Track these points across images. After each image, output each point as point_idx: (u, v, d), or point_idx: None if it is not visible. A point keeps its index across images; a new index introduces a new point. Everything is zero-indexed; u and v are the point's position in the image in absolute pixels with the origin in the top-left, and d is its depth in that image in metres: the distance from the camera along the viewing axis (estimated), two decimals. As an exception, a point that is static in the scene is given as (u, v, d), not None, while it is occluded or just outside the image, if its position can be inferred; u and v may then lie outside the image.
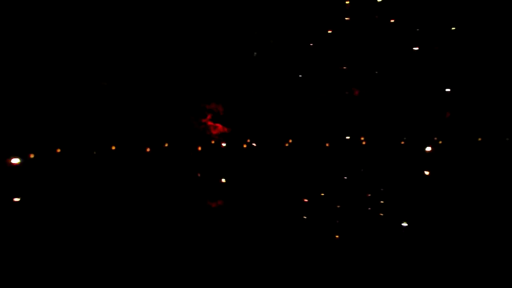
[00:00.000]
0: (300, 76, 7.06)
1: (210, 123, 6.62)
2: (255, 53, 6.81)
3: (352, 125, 7.19)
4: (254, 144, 6.58)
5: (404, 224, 6.81)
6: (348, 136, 7.18)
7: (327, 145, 7.10)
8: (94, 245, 5.92)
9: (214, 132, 6.53)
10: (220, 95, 6.78)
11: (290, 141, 6.88)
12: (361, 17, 7.39)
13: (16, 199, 6.18)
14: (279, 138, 6.89)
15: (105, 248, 5.90)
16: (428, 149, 7.40)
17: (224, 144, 6.72)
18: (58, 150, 6.42)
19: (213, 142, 6.60)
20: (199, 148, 6.78)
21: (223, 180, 6.92)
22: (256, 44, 7.02)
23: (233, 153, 6.79)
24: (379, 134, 7.28)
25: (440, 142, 7.34)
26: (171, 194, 6.76)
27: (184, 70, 6.81)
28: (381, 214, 6.91)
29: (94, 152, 6.49)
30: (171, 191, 6.73)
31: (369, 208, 7.07)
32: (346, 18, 7.28)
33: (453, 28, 7.48)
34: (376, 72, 7.31)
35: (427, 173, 7.38)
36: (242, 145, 6.89)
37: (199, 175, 6.81)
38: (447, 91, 7.54)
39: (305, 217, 6.85)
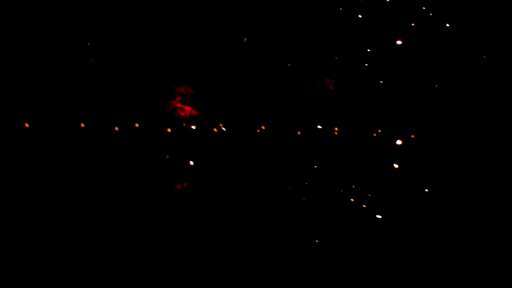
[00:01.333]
0: (277, 63, 6.80)
1: (179, 105, 6.57)
2: (245, 39, 6.49)
3: (326, 116, 7.10)
4: (223, 129, 6.61)
5: (379, 216, 7.12)
6: (320, 125, 7.14)
7: (298, 133, 7.09)
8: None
9: (182, 114, 6.52)
10: (190, 78, 6.62)
11: (263, 127, 6.87)
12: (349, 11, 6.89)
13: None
14: (251, 124, 6.87)
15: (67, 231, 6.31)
16: (399, 142, 7.39)
17: (193, 127, 6.74)
18: (27, 125, 6.46)
19: (184, 125, 6.62)
20: (169, 130, 6.82)
21: (191, 163, 7.05)
22: (239, 29, 6.65)
23: (202, 136, 6.84)
24: (353, 126, 7.22)
25: (413, 136, 7.30)
26: (139, 173, 6.96)
27: (155, 51, 6.55)
28: (352, 200, 7.19)
29: (62, 129, 6.55)
30: (139, 170, 6.92)
31: (338, 199, 7.33)
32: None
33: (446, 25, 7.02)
34: (355, 65, 7.02)
35: (396, 166, 7.47)
36: (212, 129, 6.89)
37: (167, 157, 6.93)
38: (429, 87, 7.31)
39: (271, 205, 7.15)
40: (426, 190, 7.26)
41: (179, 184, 6.80)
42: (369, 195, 7.33)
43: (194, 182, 6.94)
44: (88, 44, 6.61)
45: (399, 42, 7.27)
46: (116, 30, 6.67)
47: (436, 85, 7.53)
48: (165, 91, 6.54)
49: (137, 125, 6.81)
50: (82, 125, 6.65)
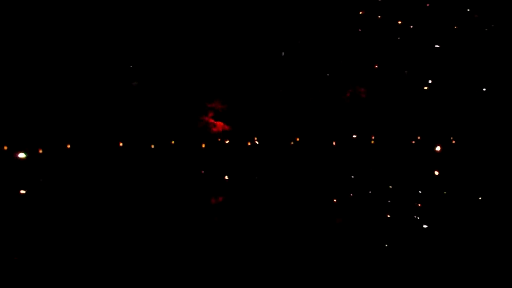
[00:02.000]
0: (305, 75, 6.83)
1: (211, 120, 6.69)
2: (283, 53, 6.59)
3: (359, 124, 7.04)
4: (257, 142, 6.67)
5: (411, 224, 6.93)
6: (354, 135, 7.08)
7: (333, 143, 7.06)
8: (96, 241, 6.49)
9: (214, 130, 6.64)
10: (221, 93, 6.75)
11: (298, 139, 6.88)
12: (368, 17, 6.86)
13: (22, 192, 6.69)
14: (284, 136, 6.91)
15: (108, 244, 6.48)
16: (438, 148, 7.22)
17: (227, 142, 6.85)
18: (68, 146, 6.76)
19: (219, 139, 6.74)
20: (203, 146, 6.95)
21: (226, 177, 7.13)
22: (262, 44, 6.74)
23: (235, 151, 6.92)
24: (388, 133, 7.12)
25: (453, 141, 7.12)
26: (175, 190, 7.10)
27: (187, 69, 6.73)
28: (388, 216, 7.05)
29: (102, 149, 6.80)
30: (175, 187, 7.05)
31: (376, 208, 7.20)
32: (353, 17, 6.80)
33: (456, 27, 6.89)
34: (382, 71, 6.95)
35: (436, 173, 7.29)
36: (247, 143, 6.97)
37: (202, 172, 7.04)
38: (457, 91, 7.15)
39: (309, 217, 7.10)
40: (467, 196, 7.05)
41: (214, 198, 6.89)
42: (403, 203, 7.18)
43: (229, 196, 7.01)
44: (131, 66, 6.86)
45: (435, 47, 7.15)
46: (152, 50, 6.89)
47: (476, 90, 7.35)
48: (197, 107, 6.68)
49: (173, 142, 6.98)
50: (121, 144, 6.88)
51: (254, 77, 6.88)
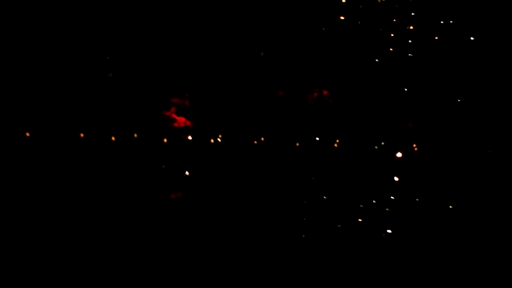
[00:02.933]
0: (271, 74, 6.78)
1: (173, 115, 6.64)
2: (262, 53, 6.53)
3: (325, 127, 7.02)
4: (219, 139, 6.65)
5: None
6: (318, 137, 7.07)
7: (297, 144, 7.05)
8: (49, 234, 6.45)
9: (175, 125, 6.59)
10: (186, 89, 6.69)
11: (262, 139, 6.86)
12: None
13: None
14: (248, 135, 6.88)
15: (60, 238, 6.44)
16: (399, 155, 7.25)
17: (190, 138, 6.81)
18: (28, 134, 6.67)
19: (183, 136, 6.69)
20: (165, 140, 6.90)
21: (187, 173, 7.10)
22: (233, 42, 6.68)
23: (198, 147, 6.89)
24: (352, 136, 7.12)
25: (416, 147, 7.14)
26: (135, 182, 7.06)
27: (150, 62, 6.65)
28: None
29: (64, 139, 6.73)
30: (135, 179, 7.02)
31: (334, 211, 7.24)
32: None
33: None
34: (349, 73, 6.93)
35: (396, 179, 7.33)
36: (209, 140, 6.94)
37: (163, 166, 7.01)
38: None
39: (267, 215, 7.12)
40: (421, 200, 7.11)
41: (173, 194, 6.87)
42: (369, 203, 7.22)
43: (189, 191, 6.99)
44: (107, 58, 6.73)
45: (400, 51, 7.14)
46: (115, 42, 6.80)
47: (439, 94, 7.35)
48: (160, 102, 6.62)
49: (136, 135, 6.92)
50: (82, 135, 6.81)
51: (219, 75, 6.81)
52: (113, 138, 6.63)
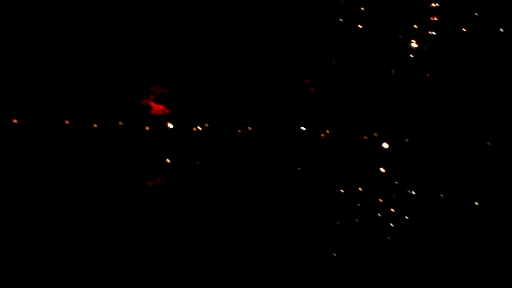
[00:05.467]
0: (253, 64, 6.66)
1: (152, 103, 6.61)
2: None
3: (311, 117, 6.87)
4: (200, 128, 6.59)
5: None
6: (304, 127, 6.93)
7: (278, 135, 6.92)
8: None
9: (154, 113, 6.56)
10: (165, 77, 6.63)
11: (250, 128, 6.76)
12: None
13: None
14: (230, 124, 6.79)
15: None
16: (386, 146, 7.05)
17: (170, 126, 6.77)
18: (15, 121, 6.73)
19: (166, 124, 6.67)
20: (147, 128, 6.88)
21: (168, 161, 7.07)
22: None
23: (177, 135, 6.86)
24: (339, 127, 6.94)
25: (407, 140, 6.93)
26: (116, 170, 7.07)
27: (130, 49, 6.61)
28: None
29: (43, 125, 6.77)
30: (115, 167, 7.02)
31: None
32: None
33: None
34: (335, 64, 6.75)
35: (382, 170, 7.14)
36: (191, 128, 6.88)
37: (143, 154, 6.99)
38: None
39: (245, 204, 7.05)
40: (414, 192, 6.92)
41: (151, 181, 6.85)
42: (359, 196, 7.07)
43: (169, 179, 6.96)
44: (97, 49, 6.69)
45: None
46: (96, 29, 6.77)
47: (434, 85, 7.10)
48: (138, 90, 6.58)
49: (121, 123, 6.91)
50: (67, 122, 6.83)
51: (199, 63, 6.72)
52: (95, 125, 6.65)
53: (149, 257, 6.55)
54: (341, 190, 6.99)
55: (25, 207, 6.64)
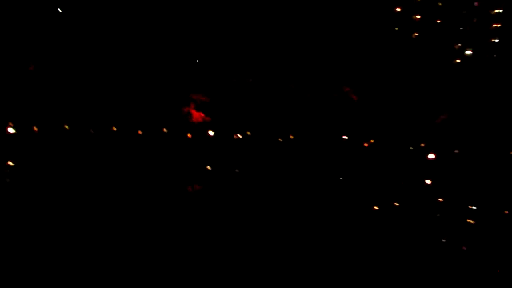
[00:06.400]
0: (293, 72, 6.62)
1: (193, 111, 6.73)
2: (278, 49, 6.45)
3: (351, 125, 6.75)
4: (239, 136, 6.65)
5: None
6: (346, 136, 6.80)
7: (324, 143, 6.83)
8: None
9: (194, 120, 6.68)
10: (205, 86, 6.74)
11: (292, 137, 6.75)
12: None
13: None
14: (271, 132, 6.80)
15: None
16: (431, 156, 6.78)
17: (211, 133, 6.86)
18: (67, 127, 7.03)
19: (206, 131, 6.78)
20: (189, 136, 7.00)
21: (209, 167, 7.12)
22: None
23: (218, 142, 6.93)
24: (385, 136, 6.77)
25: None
26: (155, 176, 7.19)
27: (171, 59, 6.77)
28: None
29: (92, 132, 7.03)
30: (155, 173, 7.14)
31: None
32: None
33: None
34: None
35: (428, 182, 6.86)
36: (232, 136, 6.94)
37: (184, 161, 7.08)
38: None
39: (291, 213, 7.01)
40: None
41: (191, 187, 6.93)
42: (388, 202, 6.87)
43: (208, 185, 7.02)
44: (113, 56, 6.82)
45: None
46: (136, 41, 6.95)
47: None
48: (180, 98, 6.68)
49: (165, 130, 7.07)
50: (114, 128, 7.06)
51: (240, 72, 6.77)
52: (140, 132, 6.83)
53: (187, 259, 6.60)
54: (375, 207, 6.79)
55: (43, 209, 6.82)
